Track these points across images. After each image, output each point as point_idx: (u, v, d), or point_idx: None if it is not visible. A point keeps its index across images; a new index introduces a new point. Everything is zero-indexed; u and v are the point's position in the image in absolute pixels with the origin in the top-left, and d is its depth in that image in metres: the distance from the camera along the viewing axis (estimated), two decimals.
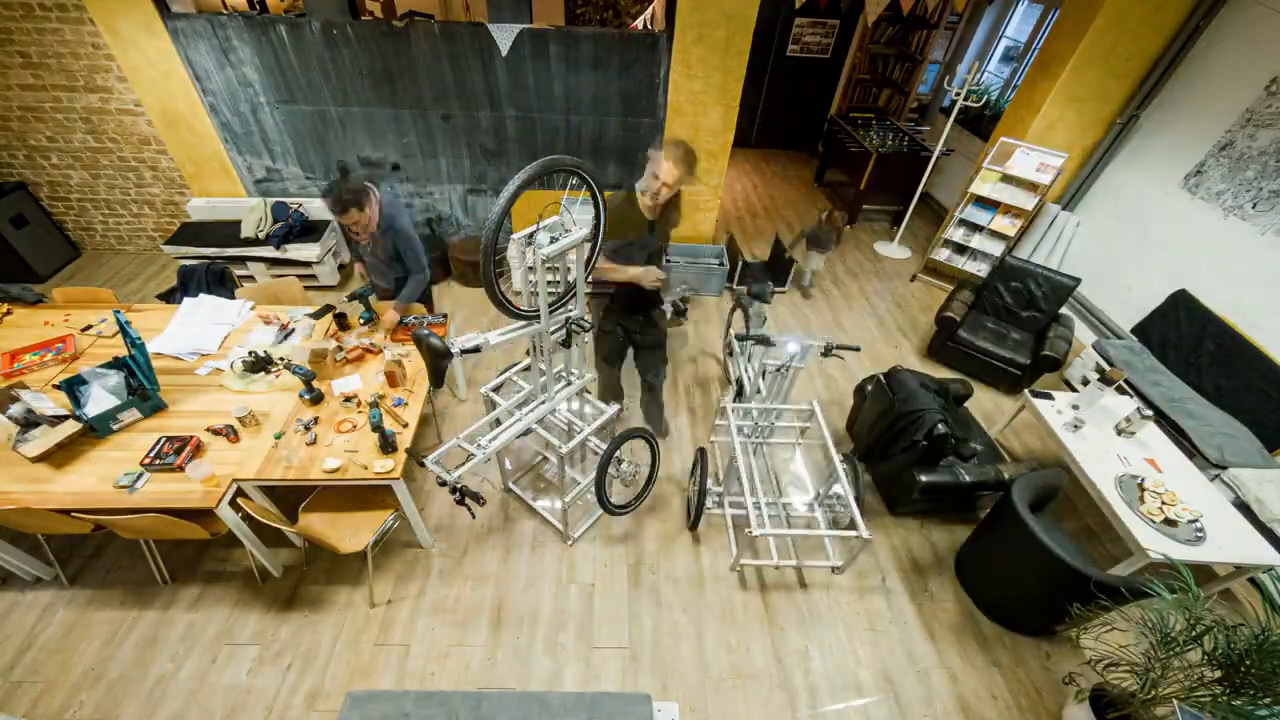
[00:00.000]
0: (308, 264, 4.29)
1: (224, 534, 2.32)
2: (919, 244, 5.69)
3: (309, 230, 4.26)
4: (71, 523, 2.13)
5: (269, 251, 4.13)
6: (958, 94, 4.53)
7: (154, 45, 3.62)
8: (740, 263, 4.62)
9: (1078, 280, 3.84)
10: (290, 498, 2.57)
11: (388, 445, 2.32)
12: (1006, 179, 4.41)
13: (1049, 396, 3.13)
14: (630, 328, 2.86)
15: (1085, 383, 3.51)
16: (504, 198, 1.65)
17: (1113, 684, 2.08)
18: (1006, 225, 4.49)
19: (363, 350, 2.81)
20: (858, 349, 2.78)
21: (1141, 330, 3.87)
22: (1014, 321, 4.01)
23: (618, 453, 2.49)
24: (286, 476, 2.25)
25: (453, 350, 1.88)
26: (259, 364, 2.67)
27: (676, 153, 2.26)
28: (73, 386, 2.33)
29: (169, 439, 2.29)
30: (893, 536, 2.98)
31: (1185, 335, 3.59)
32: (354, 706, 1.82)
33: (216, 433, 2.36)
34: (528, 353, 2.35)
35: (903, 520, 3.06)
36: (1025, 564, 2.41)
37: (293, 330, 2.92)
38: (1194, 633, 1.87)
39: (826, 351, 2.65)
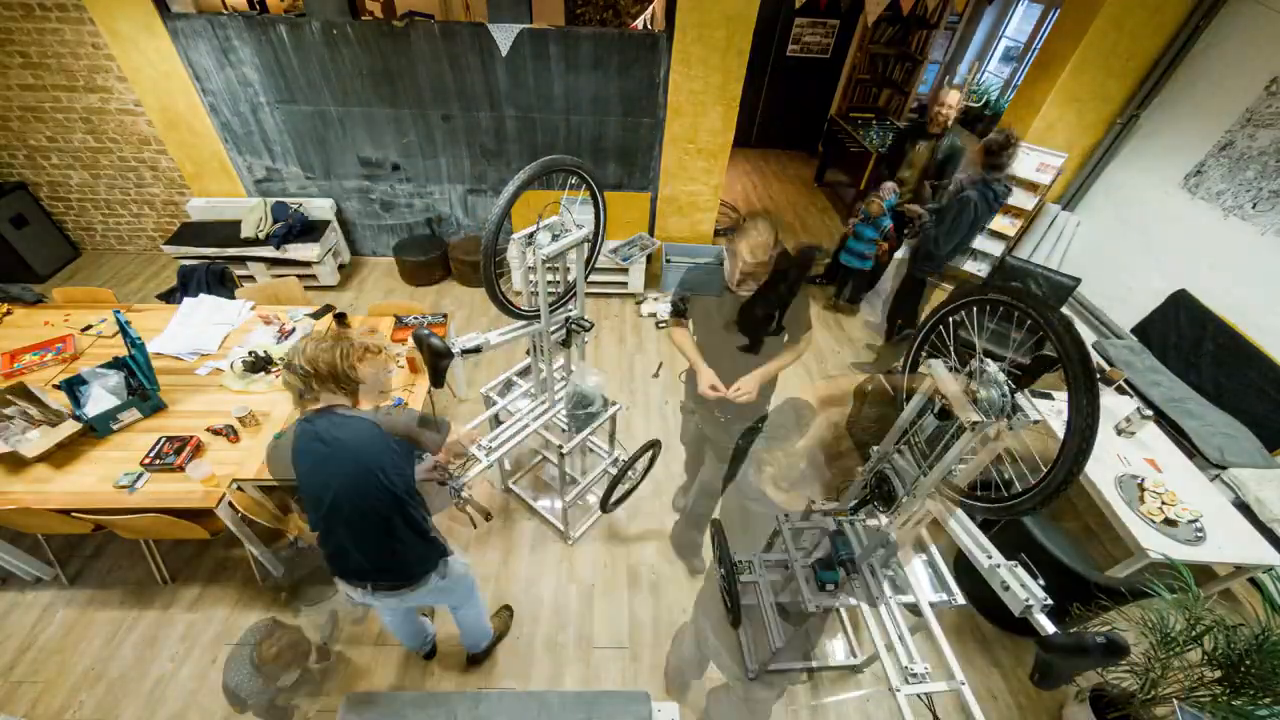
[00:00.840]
0: (308, 264, 4.28)
1: (224, 534, 2.32)
2: None
3: (309, 230, 4.26)
4: (71, 523, 2.13)
5: (269, 251, 4.13)
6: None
7: (154, 45, 3.62)
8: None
9: (1078, 280, 3.83)
10: (290, 496, 2.56)
11: None
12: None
13: (1049, 396, 3.13)
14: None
15: None
16: (504, 198, 1.65)
17: (1113, 684, 2.08)
18: (1006, 225, 4.49)
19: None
20: None
21: (1141, 330, 3.87)
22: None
23: (620, 455, 2.49)
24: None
25: (453, 350, 1.88)
26: (259, 364, 2.67)
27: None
28: (73, 386, 2.33)
29: (169, 439, 2.29)
30: None
31: (1185, 335, 3.59)
32: (351, 709, 1.82)
33: (216, 433, 2.36)
34: (527, 352, 2.35)
35: None
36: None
37: (293, 330, 2.93)
38: (1194, 633, 1.87)
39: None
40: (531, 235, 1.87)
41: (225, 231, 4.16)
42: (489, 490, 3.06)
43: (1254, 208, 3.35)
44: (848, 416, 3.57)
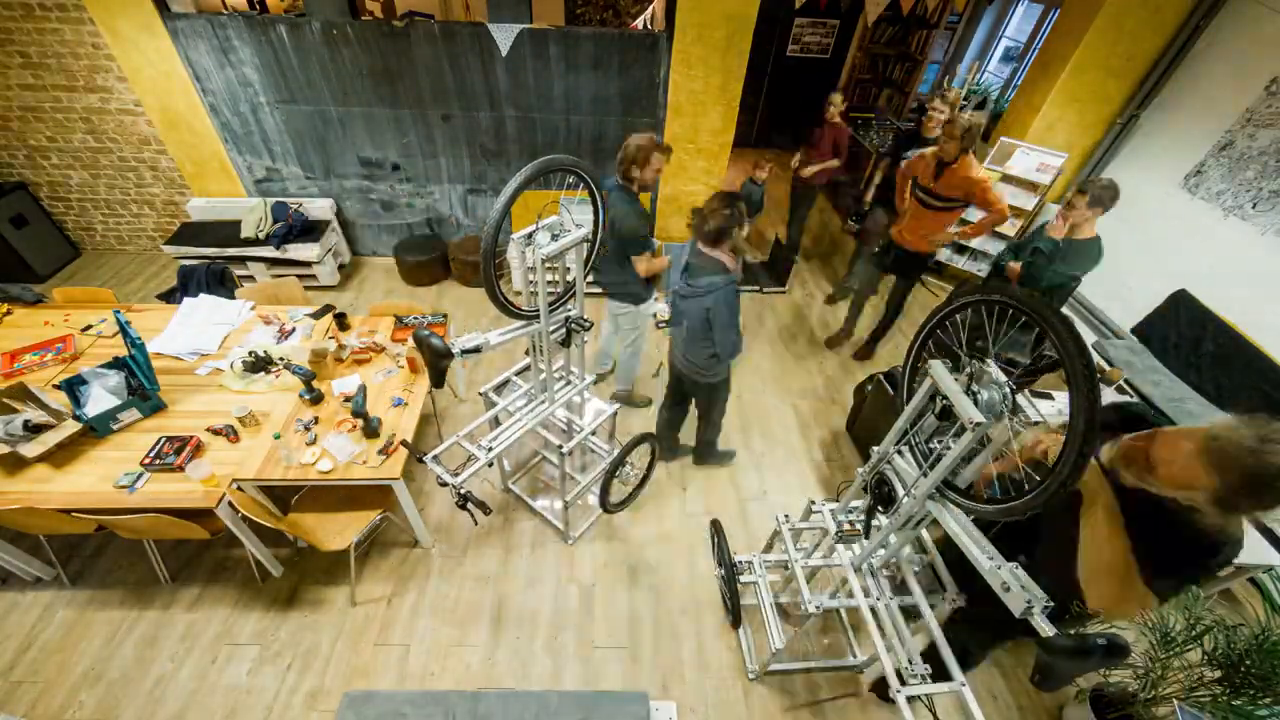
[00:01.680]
0: (308, 264, 4.28)
1: (224, 534, 2.32)
2: None
3: (309, 230, 4.26)
4: (73, 523, 2.13)
5: (269, 251, 4.13)
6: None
7: (154, 45, 3.62)
8: (740, 262, 4.61)
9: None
10: (289, 496, 2.57)
11: (370, 431, 2.34)
12: (1006, 179, 4.41)
13: (1049, 396, 3.13)
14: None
15: None
16: (503, 198, 1.65)
17: (1113, 684, 2.08)
18: (1007, 225, 4.49)
19: (367, 349, 2.81)
20: None
21: (1141, 330, 3.87)
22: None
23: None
24: (286, 476, 2.25)
25: (454, 350, 1.88)
26: (259, 364, 2.67)
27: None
28: (73, 386, 2.33)
29: (169, 439, 2.29)
30: None
31: (1185, 335, 3.59)
32: (351, 706, 1.82)
33: (216, 433, 2.36)
34: (527, 352, 2.35)
35: None
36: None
37: (293, 331, 2.93)
38: (1194, 633, 1.87)
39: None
40: (531, 235, 1.87)
41: (225, 231, 4.16)
42: (490, 490, 3.06)
43: (1254, 208, 3.35)
44: (848, 416, 3.56)
